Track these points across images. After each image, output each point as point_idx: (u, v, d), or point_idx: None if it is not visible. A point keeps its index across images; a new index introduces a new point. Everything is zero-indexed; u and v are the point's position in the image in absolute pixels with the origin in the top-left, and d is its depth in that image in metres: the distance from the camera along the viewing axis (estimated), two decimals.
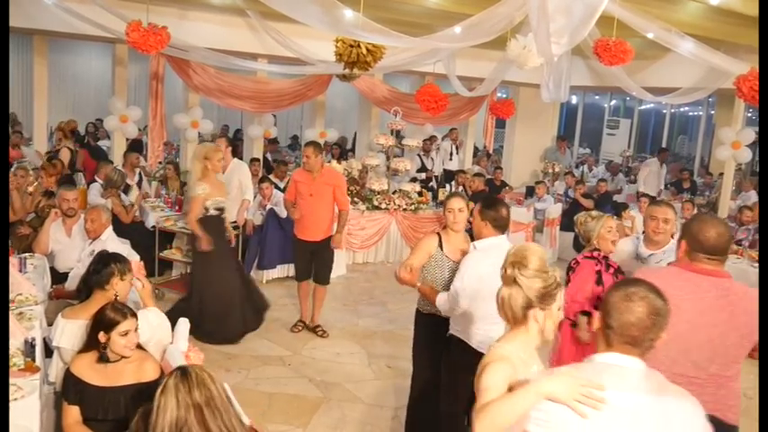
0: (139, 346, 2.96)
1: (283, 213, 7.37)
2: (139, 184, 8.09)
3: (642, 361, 1.82)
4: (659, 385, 1.81)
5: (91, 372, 2.84)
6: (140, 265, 5.05)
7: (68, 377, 2.87)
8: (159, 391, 2.16)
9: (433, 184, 10.57)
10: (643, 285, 1.87)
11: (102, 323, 2.84)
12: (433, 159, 10.94)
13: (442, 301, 3.46)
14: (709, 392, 2.53)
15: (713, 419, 2.61)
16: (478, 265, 3.30)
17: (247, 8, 8.09)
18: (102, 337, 2.83)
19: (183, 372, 2.18)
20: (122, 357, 2.87)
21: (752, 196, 10.60)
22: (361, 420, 4.54)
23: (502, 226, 3.41)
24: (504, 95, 13.10)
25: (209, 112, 10.10)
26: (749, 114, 13.91)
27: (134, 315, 2.91)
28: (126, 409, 2.80)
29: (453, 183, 10.09)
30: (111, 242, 4.74)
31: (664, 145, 16.49)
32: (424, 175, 10.60)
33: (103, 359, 2.85)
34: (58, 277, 4.97)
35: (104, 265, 3.38)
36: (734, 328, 2.55)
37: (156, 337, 3.31)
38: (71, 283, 4.60)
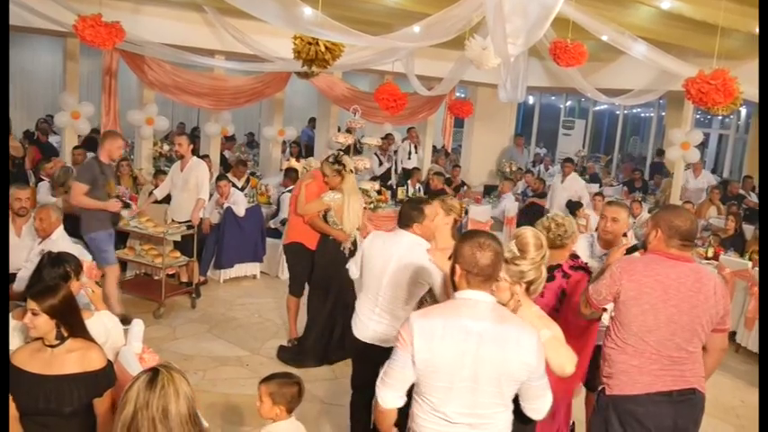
0: (82, 334, 2.85)
1: (241, 212, 7.30)
2: None
3: (491, 294, 2.33)
4: (502, 316, 2.32)
5: (31, 360, 2.74)
6: (92, 265, 4.95)
7: (10, 370, 2.74)
8: (128, 385, 2.17)
9: (392, 182, 10.61)
10: (484, 235, 2.36)
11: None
12: (391, 157, 10.97)
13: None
14: (689, 368, 2.80)
15: (693, 391, 2.82)
16: (367, 247, 3.72)
17: (204, 3, 7.96)
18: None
19: (152, 377, 2.15)
20: (67, 339, 2.77)
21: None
22: (319, 419, 4.53)
23: (400, 221, 3.66)
24: (463, 95, 13.22)
25: (164, 109, 9.91)
26: (697, 116, 14.35)
27: (38, 301, 2.74)
28: (73, 400, 2.72)
29: (410, 182, 10.16)
30: (62, 242, 4.60)
31: (617, 145, 16.89)
32: (382, 171, 10.65)
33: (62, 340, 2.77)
34: None
35: (56, 266, 3.29)
36: (706, 310, 2.79)
37: (111, 341, 3.24)
38: (19, 285, 4.45)
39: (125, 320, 5.64)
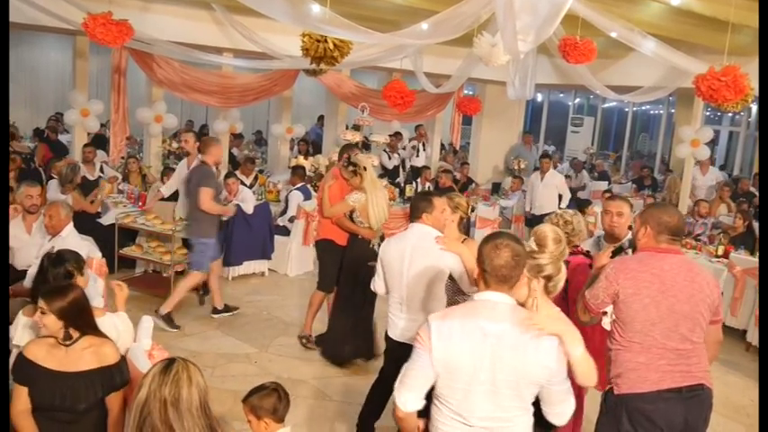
0: (93, 333, 2.87)
1: (249, 210, 7.31)
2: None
3: (511, 296, 2.30)
4: (521, 319, 2.25)
5: (48, 356, 2.74)
6: (102, 262, 4.98)
7: (21, 361, 2.75)
8: (145, 372, 2.24)
9: (401, 180, 10.61)
10: (505, 236, 2.33)
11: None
12: (399, 155, 10.97)
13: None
14: (695, 363, 2.81)
15: (701, 387, 2.81)
16: (383, 254, 3.79)
17: (213, 1, 7.98)
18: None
19: (167, 365, 2.21)
20: (79, 339, 2.78)
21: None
22: (328, 417, 4.54)
23: (411, 214, 3.79)
24: (471, 93, 13.18)
25: (173, 107, 9.93)
26: (707, 113, 14.26)
27: (47, 302, 2.76)
28: (89, 396, 2.73)
29: (419, 180, 10.16)
30: (72, 239, 4.62)
31: (626, 142, 16.74)
32: (393, 164, 10.67)
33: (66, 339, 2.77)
34: (17, 275, 4.84)
35: (57, 266, 3.32)
36: (703, 299, 2.84)
37: (120, 342, 3.26)
38: (30, 281, 4.48)
39: (229, 309, 6.16)
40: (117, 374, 2.81)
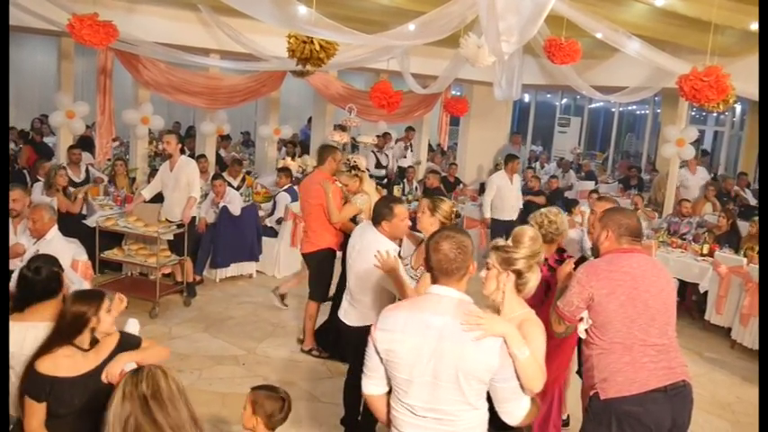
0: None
1: (237, 211, 7.29)
2: (87, 180, 7.88)
3: (458, 290, 2.32)
4: (466, 315, 2.25)
5: (67, 366, 2.69)
6: (87, 264, 4.95)
7: (37, 379, 2.64)
8: (115, 386, 2.21)
9: (388, 171, 10.64)
10: (449, 230, 2.40)
11: (81, 314, 2.71)
12: (387, 155, 10.98)
13: None
14: (674, 357, 2.85)
15: (684, 384, 2.83)
16: (354, 232, 4.06)
17: (199, 2, 7.94)
18: (94, 322, 2.73)
19: (136, 370, 2.21)
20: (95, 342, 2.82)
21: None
22: (316, 419, 4.54)
23: (372, 218, 3.90)
24: (458, 93, 13.21)
25: (159, 108, 9.86)
26: (693, 113, 14.39)
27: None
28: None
29: (405, 180, 10.18)
30: (57, 242, 4.58)
31: (613, 142, 16.85)
32: (383, 172, 10.65)
33: (92, 344, 2.78)
34: None
35: (38, 274, 3.23)
36: (670, 293, 2.95)
37: None
38: (13, 285, 4.43)
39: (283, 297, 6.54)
40: (126, 345, 2.87)
